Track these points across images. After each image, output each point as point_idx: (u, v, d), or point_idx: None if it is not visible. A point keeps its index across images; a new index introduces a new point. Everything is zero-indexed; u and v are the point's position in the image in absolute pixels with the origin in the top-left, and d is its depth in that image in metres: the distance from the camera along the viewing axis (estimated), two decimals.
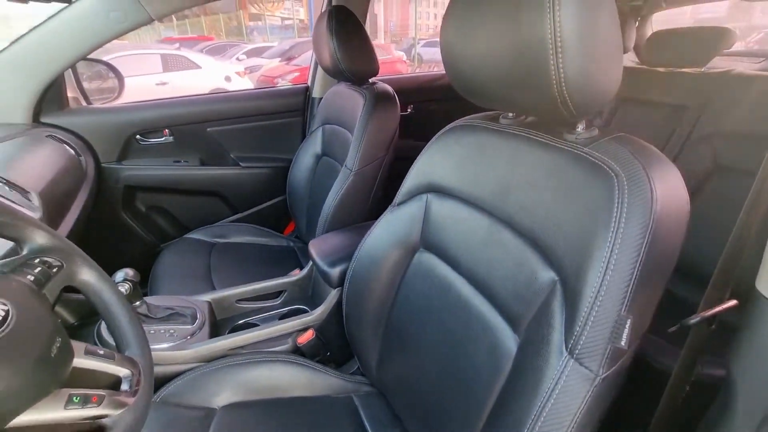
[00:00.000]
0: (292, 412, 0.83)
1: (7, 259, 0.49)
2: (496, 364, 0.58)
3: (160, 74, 5.82)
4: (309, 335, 0.93)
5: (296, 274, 1.14)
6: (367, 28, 1.30)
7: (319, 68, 1.58)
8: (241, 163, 1.58)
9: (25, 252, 0.51)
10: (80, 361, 0.47)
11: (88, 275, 0.56)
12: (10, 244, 0.61)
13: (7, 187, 0.80)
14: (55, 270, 0.51)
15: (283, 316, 1.07)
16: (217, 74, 6.21)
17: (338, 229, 1.12)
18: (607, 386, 0.45)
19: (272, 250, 1.44)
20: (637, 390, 0.60)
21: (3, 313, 0.40)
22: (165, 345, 0.84)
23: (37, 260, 0.50)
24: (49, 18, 1.11)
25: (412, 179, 0.81)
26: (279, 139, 1.62)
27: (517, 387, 0.51)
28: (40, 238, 0.53)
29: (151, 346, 0.82)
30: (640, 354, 0.49)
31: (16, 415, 0.38)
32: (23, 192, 0.83)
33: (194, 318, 0.92)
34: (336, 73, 1.19)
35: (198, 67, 6.16)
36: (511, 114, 0.68)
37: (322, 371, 0.91)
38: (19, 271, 0.47)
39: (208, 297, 1.02)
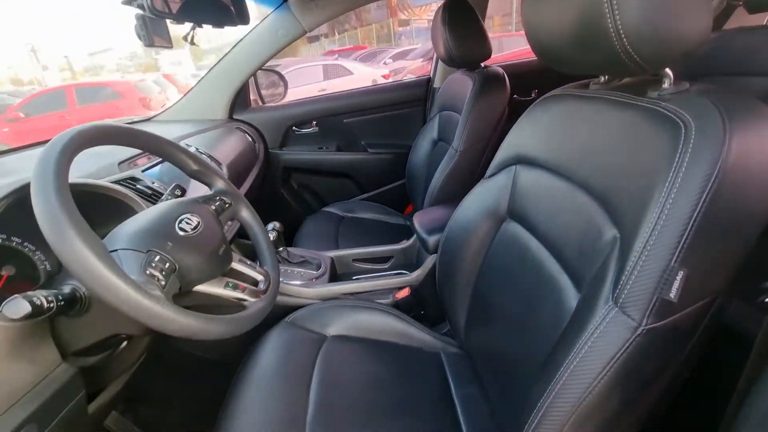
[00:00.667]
0: (386, 354, 0.96)
1: (203, 194, 0.75)
2: (557, 322, 0.59)
3: (321, 82, 6.81)
4: (405, 292, 1.06)
5: (404, 244, 1.28)
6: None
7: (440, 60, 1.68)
8: (368, 149, 1.81)
9: (212, 192, 0.78)
10: (235, 264, 0.70)
11: (246, 213, 0.81)
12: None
13: (209, 159, 1.16)
14: (227, 206, 0.76)
15: None
16: (366, 79, 6.91)
17: (441, 204, 1.21)
18: (653, 340, 0.44)
19: (389, 226, 1.62)
20: (721, 357, 0.53)
21: (197, 222, 0.64)
22: (296, 282, 1.08)
23: (218, 198, 0.76)
24: (237, 42, 1.51)
25: (502, 152, 0.85)
26: (402, 127, 1.79)
27: (564, 336, 0.53)
28: (221, 184, 0.79)
29: (285, 282, 1.08)
30: (726, 319, 0.45)
31: (197, 284, 0.61)
32: (218, 163, 1.19)
33: (319, 267, 1.15)
34: (449, 60, 1.28)
35: (351, 73, 6.98)
36: (602, 79, 0.67)
37: (415, 326, 1.02)
38: (207, 202, 0.73)
39: (331, 254, 1.25)
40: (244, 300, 0.65)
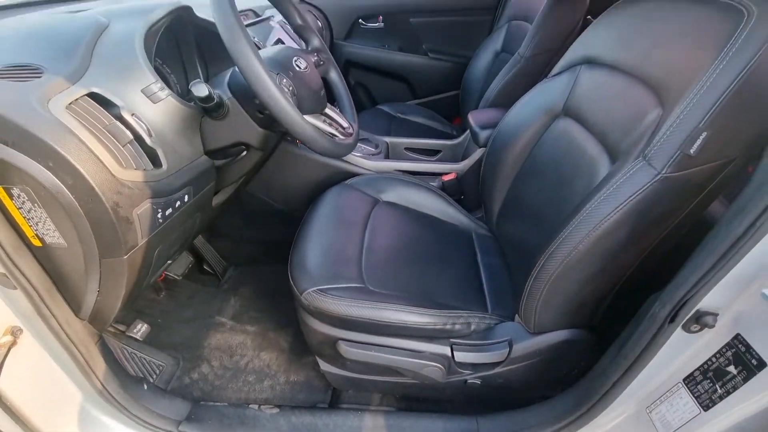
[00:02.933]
0: (427, 223, 1.14)
1: (308, 48, 0.88)
2: (587, 191, 0.72)
3: None
4: (452, 176, 1.21)
5: (453, 140, 1.40)
6: None
7: None
8: (429, 53, 1.84)
9: (308, 48, 0.90)
10: (328, 110, 0.85)
11: (334, 74, 0.94)
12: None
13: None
14: (321, 63, 0.89)
15: None
16: None
17: (497, 107, 1.30)
18: (667, 187, 0.56)
19: (438, 132, 1.72)
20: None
21: (305, 65, 0.77)
22: (357, 154, 1.23)
23: (314, 54, 0.88)
24: None
25: (571, 53, 0.92)
26: (466, 36, 1.80)
27: (590, 194, 0.66)
28: (317, 43, 0.91)
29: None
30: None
31: (307, 114, 0.76)
32: None
33: (377, 146, 1.30)
34: None
35: None
36: None
37: (454, 207, 1.18)
38: (309, 55, 0.85)
39: (386, 139, 1.38)
40: (335, 136, 0.81)
